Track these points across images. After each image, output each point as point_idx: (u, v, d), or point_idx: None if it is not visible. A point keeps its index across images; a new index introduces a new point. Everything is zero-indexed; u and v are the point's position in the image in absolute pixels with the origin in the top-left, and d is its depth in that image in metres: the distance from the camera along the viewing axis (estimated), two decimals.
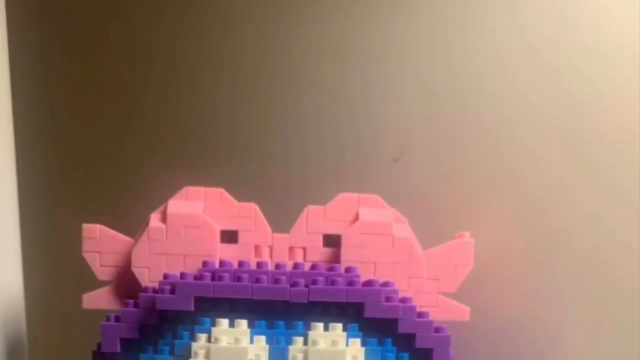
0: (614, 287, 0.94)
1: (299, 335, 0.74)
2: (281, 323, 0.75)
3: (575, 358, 0.95)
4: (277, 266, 0.78)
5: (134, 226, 0.83)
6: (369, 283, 0.77)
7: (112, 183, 0.97)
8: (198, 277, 0.76)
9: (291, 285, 0.75)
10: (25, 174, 0.97)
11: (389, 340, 0.76)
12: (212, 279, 0.76)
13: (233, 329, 0.73)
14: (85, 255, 0.82)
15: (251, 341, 0.73)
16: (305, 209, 0.82)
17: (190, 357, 0.72)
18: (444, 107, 0.95)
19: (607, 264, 0.94)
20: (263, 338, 0.73)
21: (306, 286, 0.75)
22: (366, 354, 0.74)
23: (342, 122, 0.96)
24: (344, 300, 0.75)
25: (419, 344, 0.76)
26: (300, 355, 0.72)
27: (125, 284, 0.82)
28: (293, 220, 0.82)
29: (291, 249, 0.82)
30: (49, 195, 0.98)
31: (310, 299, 0.75)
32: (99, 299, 0.82)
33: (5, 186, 0.94)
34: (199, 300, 0.75)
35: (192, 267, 0.79)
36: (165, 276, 0.78)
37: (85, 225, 0.82)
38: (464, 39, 0.94)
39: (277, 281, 0.75)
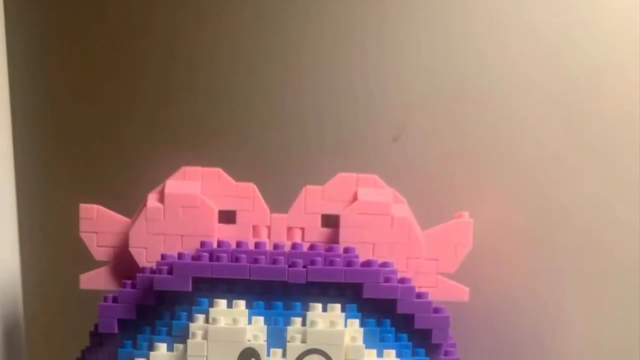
0: (614, 266, 0.94)
1: (297, 316, 0.74)
2: (279, 304, 0.75)
3: (575, 337, 0.95)
4: (275, 246, 0.78)
5: (131, 206, 0.83)
6: (367, 263, 0.77)
7: (109, 163, 0.97)
8: (196, 257, 0.76)
9: (289, 266, 0.75)
10: (22, 154, 0.97)
11: (388, 321, 0.76)
12: (210, 259, 0.75)
13: (231, 310, 0.73)
14: (83, 235, 0.82)
15: (249, 322, 0.73)
16: (304, 189, 0.82)
17: (188, 337, 0.72)
18: (444, 86, 0.95)
19: (607, 242, 0.94)
20: (261, 319, 0.73)
21: (304, 266, 0.75)
22: (365, 334, 0.74)
23: (340, 102, 0.95)
24: (342, 281, 0.75)
25: (418, 324, 0.76)
26: (299, 336, 0.72)
27: (123, 264, 0.81)
28: (291, 200, 0.82)
29: (289, 229, 0.81)
30: (46, 175, 0.98)
31: (309, 280, 0.75)
32: (97, 280, 0.82)
33: (2, 166, 0.93)
34: (197, 281, 0.74)
35: (189, 247, 0.79)
36: (163, 256, 0.77)
37: (82, 206, 0.82)
38: (463, 18, 0.94)
39: (275, 261, 0.75)
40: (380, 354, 0.74)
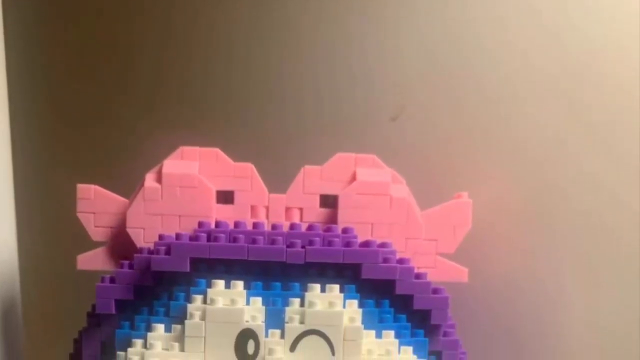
0: (613, 246, 0.94)
1: (296, 296, 0.73)
2: (278, 284, 0.74)
3: (574, 318, 0.95)
4: (274, 227, 0.78)
5: (129, 186, 0.82)
6: (366, 244, 0.77)
7: (107, 143, 0.97)
8: (194, 237, 0.75)
9: (288, 246, 0.75)
10: (19, 134, 0.96)
11: (387, 301, 0.76)
12: (208, 239, 0.75)
13: (229, 290, 0.73)
14: (80, 215, 0.81)
15: (247, 302, 0.73)
16: (302, 169, 0.82)
17: (185, 318, 0.72)
18: (443, 65, 0.94)
19: (606, 224, 0.94)
20: (259, 299, 0.73)
21: (303, 247, 0.75)
22: (363, 315, 0.73)
23: (339, 81, 0.95)
24: (341, 262, 0.75)
25: (417, 305, 0.76)
26: (297, 317, 0.72)
27: (120, 244, 0.81)
28: (290, 180, 0.82)
29: (288, 209, 0.81)
30: (43, 155, 0.98)
31: (307, 260, 0.75)
32: (94, 260, 0.82)
33: None
34: (195, 261, 0.74)
35: (187, 227, 0.79)
36: (161, 237, 0.77)
37: (79, 186, 0.82)
38: None
39: (273, 242, 0.75)
40: (379, 335, 0.74)
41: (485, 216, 0.90)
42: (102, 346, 0.77)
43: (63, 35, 0.96)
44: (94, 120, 0.97)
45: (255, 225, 0.78)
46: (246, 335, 0.72)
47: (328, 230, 0.78)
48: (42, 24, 0.96)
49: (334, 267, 0.75)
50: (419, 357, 0.75)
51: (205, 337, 0.71)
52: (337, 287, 0.73)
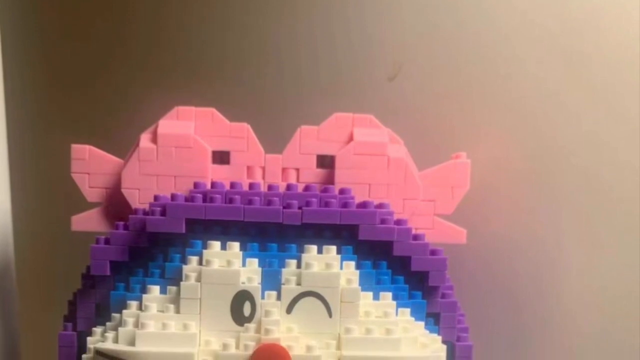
0: (613, 206, 0.94)
1: (292, 258, 0.73)
2: (274, 245, 0.74)
3: (573, 278, 0.95)
4: (270, 187, 0.78)
5: (123, 147, 0.82)
6: (363, 205, 0.76)
7: (101, 103, 0.96)
8: (189, 198, 0.75)
9: (284, 207, 0.75)
10: (13, 94, 0.96)
11: (384, 263, 0.75)
12: (204, 200, 0.75)
13: (225, 252, 0.72)
14: (74, 176, 0.81)
15: (243, 264, 0.73)
16: (299, 129, 0.81)
17: (181, 280, 0.72)
18: (440, 24, 0.94)
19: (606, 182, 0.93)
20: (255, 261, 0.73)
21: (299, 208, 0.75)
22: (360, 277, 0.73)
23: (336, 40, 0.94)
24: (338, 222, 0.75)
25: (415, 267, 0.76)
26: (294, 279, 0.72)
27: (115, 205, 0.81)
28: (286, 140, 0.81)
29: (284, 170, 0.81)
30: (37, 115, 0.97)
31: (304, 221, 0.74)
32: (88, 221, 0.82)
33: None
34: (190, 222, 0.74)
35: (183, 188, 0.79)
36: (156, 198, 0.77)
37: (74, 146, 0.81)
38: None
39: (269, 203, 0.75)
40: (376, 297, 0.74)
41: (483, 176, 0.90)
42: (97, 308, 0.77)
43: None
44: (88, 81, 0.96)
45: (251, 186, 0.77)
46: (242, 297, 0.71)
47: (325, 191, 0.77)
48: None
49: (331, 229, 0.75)
50: (416, 319, 0.75)
51: (201, 299, 0.71)
52: (334, 248, 0.73)
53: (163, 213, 0.74)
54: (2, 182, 0.94)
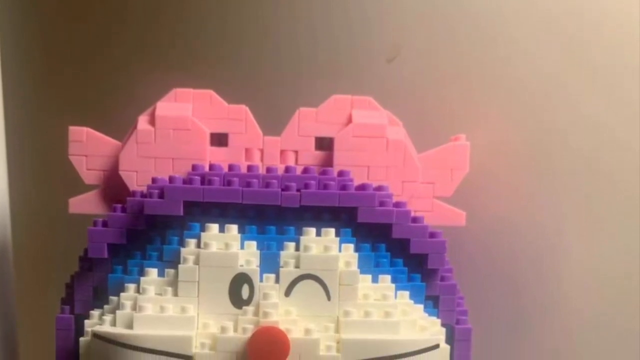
0: (613, 188, 0.93)
1: (291, 240, 0.73)
2: (272, 228, 0.74)
3: (573, 262, 0.94)
4: (268, 170, 0.77)
5: (121, 129, 0.82)
6: (362, 187, 0.76)
7: (99, 84, 0.96)
8: (187, 181, 0.75)
9: (283, 190, 0.74)
10: (10, 75, 0.96)
11: (383, 245, 0.75)
12: (202, 183, 0.75)
13: (223, 234, 0.72)
14: (72, 158, 0.81)
15: (242, 247, 0.72)
16: (297, 111, 0.81)
17: (179, 263, 0.71)
18: (440, 6, 0.93)
19: (606, 166, 0.93)
20: (254, 243, 0.73)
21: (298, 190, 0.74)
22: (359, 259, 0.73)
23: (334, 22, 0.94)
24: (336, 205, 0.74)
25: (414, 249, 0.76)
26: (292, 261, 0.72)
27: (113, 188, 0.81)
28: (284, 122, 0.81)
29: (282, 152, 0.81)
30: (35, 97, 0.97)
31: (302, 204, 0.74)
32: (86, 204, 0.82)
33: None
34: (188, 205, 0.74)
35: (181, 170, 0.78)
36: (154, 180, 0.77)
37: (71, 128, 0.81)
38: None
39: (268, 185, 0.74)
40: (375, 280, 0.74)
41: (483, 159, 0.90)
42: (95, 291, 0.76)
43: None
44: (86, 62, 0.96)
45: (249, 168, 0.77)
46: (240, 280, 0.71)
47: (323, 173, 0.77)
48: None
49: (330, 211, 0.75)
50: (415, 302, 0.75)
51: (199, 282, 0.71)
52: (332, 231, 0.73)
53: (161, 195, 0.74)
54: (0, 164, 0.94)
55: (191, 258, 0.71)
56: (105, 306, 0.73)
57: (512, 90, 0.93)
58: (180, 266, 0.71)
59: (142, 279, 0.72)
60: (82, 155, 0.81)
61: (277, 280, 0.72)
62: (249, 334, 0.69)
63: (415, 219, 0.76)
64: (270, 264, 0.72)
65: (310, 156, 0.81)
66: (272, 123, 0.81)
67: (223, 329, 0.70)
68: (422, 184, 0.81)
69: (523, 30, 0.92)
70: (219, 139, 0.81)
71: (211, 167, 0.78)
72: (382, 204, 0.75)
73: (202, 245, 0.72)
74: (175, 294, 0.71)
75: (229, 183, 0.74)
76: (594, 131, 0.92)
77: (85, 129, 0.81)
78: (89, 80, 0.96)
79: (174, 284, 0.71)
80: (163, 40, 0.95)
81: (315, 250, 0.72)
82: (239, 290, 0.71)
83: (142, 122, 0.80)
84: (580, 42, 0.92)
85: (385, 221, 0.75)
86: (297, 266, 0.72)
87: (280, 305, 0.71)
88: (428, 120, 0.92)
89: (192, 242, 0.72)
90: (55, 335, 0.76)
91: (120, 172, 0.79)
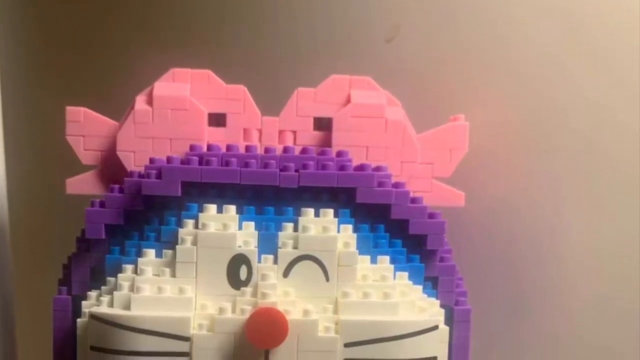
0: (613, 170, 0.93)
1: (289, 221, 0.73)
2: (270, 209, 0.74)
3: (573, 242, 0.94)
4: (267, 150, 0.77)
5: (119, 109, 0.81)
6: (361, 167, 0.76)
7: (96, 64, 0.96)
8: (185, 161, 0.75)
9: (281, 170, 0.74)
10: (6, 55, 0.96)
11: (382, 226, 0.75)
12: (200, 163, 0.74)
13: (221, 215, 0.72)
14: (69, 138, 0.81)
15: (240, 227, 0.72)
16: (296, 91, 0.81)
17: (177, 243, 0.71)
18: None
19: (606, 146, 0.93)
20: (252, 224, 0.73)
21: (296, 171, 0.74)
22: (358, 240, 0.73)
23: (333, 1, 0.94)
24: (335, 185, 0.74)
25: (413, 230, 0.75)
26: (290, 242, 0.72)
27: (110, 168, 0.81)
28: (283, 103, 0.81)
29: (281, 132, 0.81)
30: (32, 77, 0.97)
31: (301, 184, 0.74)
32: (83, 184, 0.81)
33: None
34: (186, 185, 0.74)
35: (179, 151, 0.78)
36: (152, 160, 0.77)
37: (68, 108, 0.81)
38: None
39: (266, 165, 0.74)
40: (374, 260, 0.74)
41: (482, 139, 0.90)
42: (92, 272, 0.76)
43: None
44: (83, 41, 0.96)
45: (247, 148, 0.77)
46: (239, 261, 0.71)
47: (322, 153, 0.77)
48: None
49: (328, 191, 0.75)
50: (414, 282, 0.75)
51: (196, 263, 0.71)
52: (331, 211, 0.73)
53: (159, 176, 0.74)
54: None
55: (189, 239, 0.71)
56: (103, 287, 0.74)
57: (512, 70, 0.92)
58: (178, 247, 0.71)
59: (140, 259, 0.72)
60: (79, 135, 0.81)
61: (275, 261, 0.72)
62: (247, 315, 0.69)
63: (414, 200, 0.76)
64: (268, 244, 0.72)
65: (309, 136, 0.81)
66: (271, 103, 0.81)
67: (221, 310, 0.69)
68: (421, 165, 0.81)
69: (522, 9, 0.92)
70: (217, 119, 0.80)
71: (209, 147, 0.78)
72: (380, 184, 0.75)
73: (200, 225, 0.71)
74: (173, 274, 0.71)
75: (227, 163, 0.74)
76: (594, 111, 0.92)
77: (82, 109, 0.80)
78: (86, 60, 0.95)
79: (172, 264, 0.71)
80: (161, 20, 0.95)
81: (313, 230, 0.72)
82: (237, 271, 0.71)
83: (140, 102, 0.79)
84: (580, 21, 0.91)
85: (384, 202, 0.75)
86: (295, 247, 0.72)
87: (278, 286, 0.71)
88: (427, 100, 0.92)
89: (189, 222, 0.72)
90: (52, 316, 0.76)
91: (118, 153, 0.79)
